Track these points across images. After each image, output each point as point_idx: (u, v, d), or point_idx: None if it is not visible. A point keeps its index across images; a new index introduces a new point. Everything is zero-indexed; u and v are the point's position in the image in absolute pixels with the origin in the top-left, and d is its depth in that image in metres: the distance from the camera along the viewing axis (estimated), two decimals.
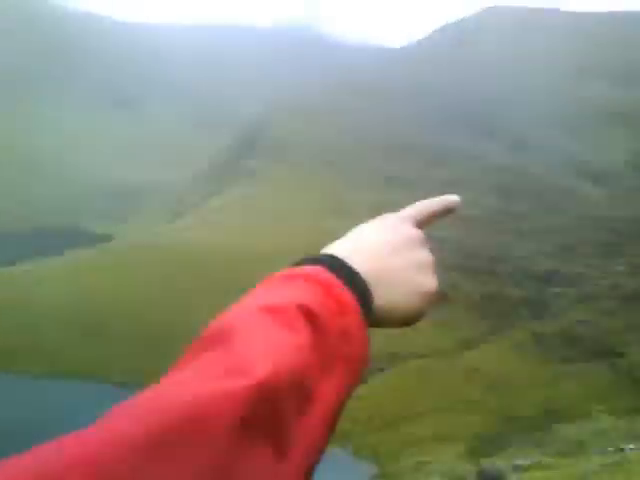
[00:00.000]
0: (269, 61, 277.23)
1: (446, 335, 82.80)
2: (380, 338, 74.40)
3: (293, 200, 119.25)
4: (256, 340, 0.62)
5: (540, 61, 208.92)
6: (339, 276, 0.77)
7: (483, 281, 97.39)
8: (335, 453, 42.39)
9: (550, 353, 75.00)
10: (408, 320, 0.91)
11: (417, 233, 1.01)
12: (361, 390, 62.61)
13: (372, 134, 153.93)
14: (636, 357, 68.69)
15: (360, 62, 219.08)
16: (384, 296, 0.85)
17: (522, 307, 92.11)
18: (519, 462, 22.88)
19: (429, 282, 0.94)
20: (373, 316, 0.81)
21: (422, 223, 1.08)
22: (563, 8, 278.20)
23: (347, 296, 0.74)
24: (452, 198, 1.13)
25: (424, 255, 0.98)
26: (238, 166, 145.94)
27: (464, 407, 57.29)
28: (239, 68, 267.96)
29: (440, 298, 0.96)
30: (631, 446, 22.35)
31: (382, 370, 69.14)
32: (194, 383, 0.55)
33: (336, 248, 0.89)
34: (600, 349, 72.21)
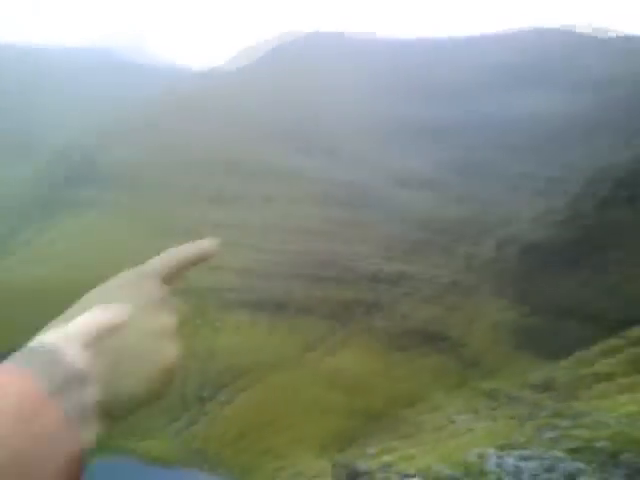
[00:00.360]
0: (87, 83, 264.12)
1: (289, 341, 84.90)
2: (222, 352, 74.21)
3: (118, 225, 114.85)
4: None
5: (353, 82, 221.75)
6: (41, 377, 0.61)
7: (324, 288, 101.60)
8: (191, 474, 41.68)
9: (386, 345, 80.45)
10: (148, 401, 0.78)
11: (158, 293, 0.86)
12: (209, 407, 62.07)
13: (194, 153, 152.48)
14: (459, 339, 76.44)
15: (180, 82, 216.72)
16: (113, 386, 0.71)
17: (360, 307, 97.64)
18: (370, 451, 24.51)
19: (169, 352, 0.80)
20: (100, 413, 0.67)
21: (172, 277, 0.92)
22: (374, 36, 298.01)
23: (47, 408, 0.59)
24: (206, 244, 0.97)
25: (163, 320, 0.83)
26: (63, 195, 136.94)
27: (315, 408, 59.40)
28: (58, 90, 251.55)
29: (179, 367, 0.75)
30: (462, 417, 25.14)
31: (226, 386, 69.12)
32: None
33: (53, 333, 0.71)
34: (428, 335, 79.16)
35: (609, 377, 21.23)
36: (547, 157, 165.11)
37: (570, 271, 76.43)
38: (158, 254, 0.80)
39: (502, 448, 16.94)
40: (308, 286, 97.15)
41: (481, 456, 17.69)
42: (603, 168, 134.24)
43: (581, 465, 6.99)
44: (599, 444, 7.48)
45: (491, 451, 17.11)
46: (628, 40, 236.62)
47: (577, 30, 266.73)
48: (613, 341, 28.87)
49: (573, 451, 7.70)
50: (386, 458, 22.59)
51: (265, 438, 49.06)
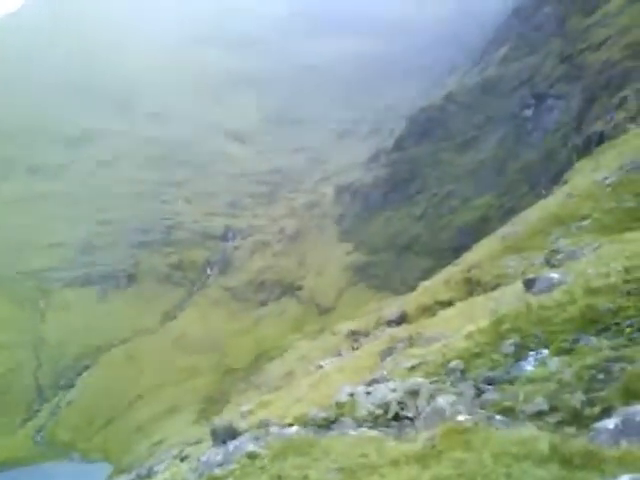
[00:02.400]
0: None
1: (146, 312, 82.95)
2: (78, 333, 70.45)
3: None
4: None
5: (149, 32, 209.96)
6: None
7: (166, 252, 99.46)
8: (63, 466, 39.85)
9: (245, 302, 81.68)
10: None
11: None
12: (70, 395, 59.17)
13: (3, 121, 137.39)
14: (313, 286, 79.75)
15: None
16: None
17: (209, 266, 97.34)
18: (245, 408, 25.27)
19: None
20: None
21: None
22: None
23: None
24: None
25: None
26: None
27: (183, 375, 59.11)
28: None
29: None
30: (326, 361, 26.71)
31: (88, 367, 66.27)
32: None
33: None
34: (284, 287, 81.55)
35: (450, 302, 23.78)
36: (346, 101, 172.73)
37: (396, 208, 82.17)
38: None
39: (369, 384, 18.47)
40: (157, 253, 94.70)
41: (351, 394, 19.17)
42: (394, 107, 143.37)
43: (440, 385, 8.12)
44: (451, 364, 8.70)
45: (360, 388, 18.59)
46: None
47: None
48: (449, 269, 32.09)
49: (431, 374, 8.77)
50: (261, 412, 23.47)
51: (137, 415, 48.12)
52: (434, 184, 79.68)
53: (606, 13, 65.56)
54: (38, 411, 56.85)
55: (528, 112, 72.07)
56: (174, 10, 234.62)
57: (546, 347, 7.38)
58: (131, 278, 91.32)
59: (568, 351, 6.93)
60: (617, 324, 6.99)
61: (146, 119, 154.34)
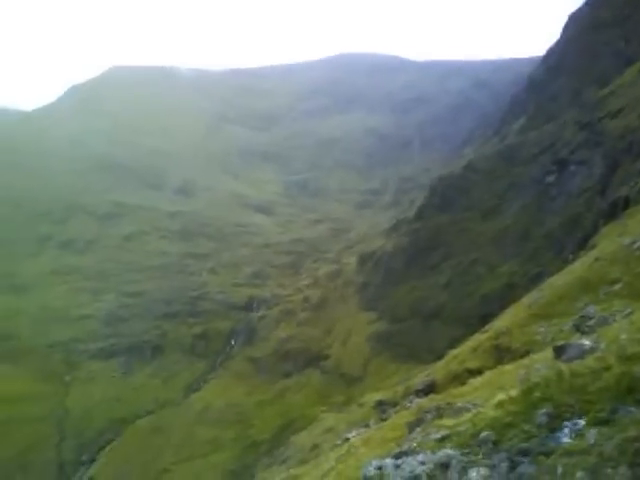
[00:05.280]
0: None
1: (169, 385, 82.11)
2: (102, 405, 69.73)
3: None
4: None
5: (178, 113, 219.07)
6: None
7: (191, 324, 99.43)
8: None
9: (269, 373, 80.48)
10: None
11: None
12: (92, 470, 57.96)
13: (28, 198, 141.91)
14: (338, 356, 78.55)
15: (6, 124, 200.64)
16: None
17: (233, 337, 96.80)
18: None
19: None
20: None
21: None
22: (185, 66, 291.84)
23: None
24: None
25: None
26: None
27: (206, 449, 57.64)
28: None
29: None
30: (353, 433, 25.93)
31: (111, 441, 64.89)
32: None
33: None
34: (309, 357, 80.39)
35: (479, 371, 23.16)
36: (367, 173, 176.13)
37: (420, 276, 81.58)
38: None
39: (398, 457, 17.81)
40: (181, 324, 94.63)
41: (379, 467, 18.48)
42: (414, 178, 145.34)
43: (471, 457, 7.78)
44: (483, 435, 8.35)
45: (388, 461, 17.92)
46: (429, 64, 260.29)
47: (379, 54, 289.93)
48: (477, 336, 31.46)
49: (461, 446, 8.44)
50: None
51: None
52: (458, 252, 79.32)
53: (620, 84, 66.83)
54: None
55: (550, 178, 72.18)
56: (199, 91, 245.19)
57: (581, 417, 7.06)
58: (156, 349, 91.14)
59: (606, 422, 6.62)
60: None
61: (173, 194, 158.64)
